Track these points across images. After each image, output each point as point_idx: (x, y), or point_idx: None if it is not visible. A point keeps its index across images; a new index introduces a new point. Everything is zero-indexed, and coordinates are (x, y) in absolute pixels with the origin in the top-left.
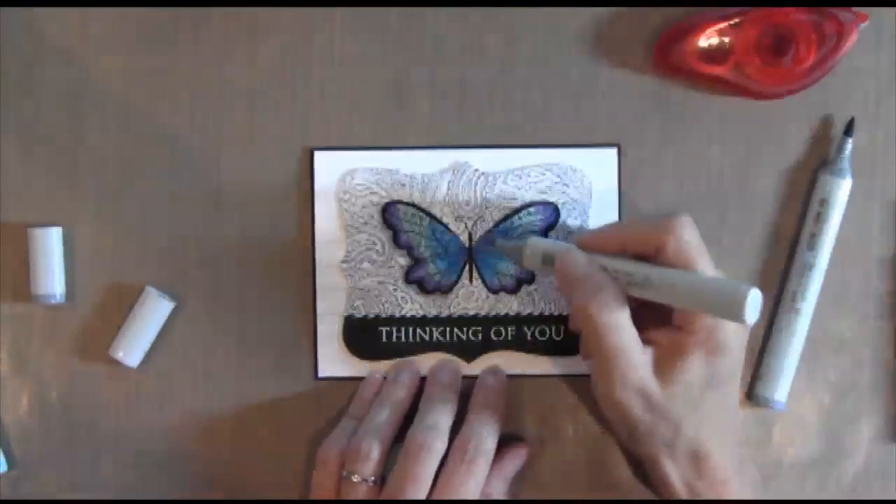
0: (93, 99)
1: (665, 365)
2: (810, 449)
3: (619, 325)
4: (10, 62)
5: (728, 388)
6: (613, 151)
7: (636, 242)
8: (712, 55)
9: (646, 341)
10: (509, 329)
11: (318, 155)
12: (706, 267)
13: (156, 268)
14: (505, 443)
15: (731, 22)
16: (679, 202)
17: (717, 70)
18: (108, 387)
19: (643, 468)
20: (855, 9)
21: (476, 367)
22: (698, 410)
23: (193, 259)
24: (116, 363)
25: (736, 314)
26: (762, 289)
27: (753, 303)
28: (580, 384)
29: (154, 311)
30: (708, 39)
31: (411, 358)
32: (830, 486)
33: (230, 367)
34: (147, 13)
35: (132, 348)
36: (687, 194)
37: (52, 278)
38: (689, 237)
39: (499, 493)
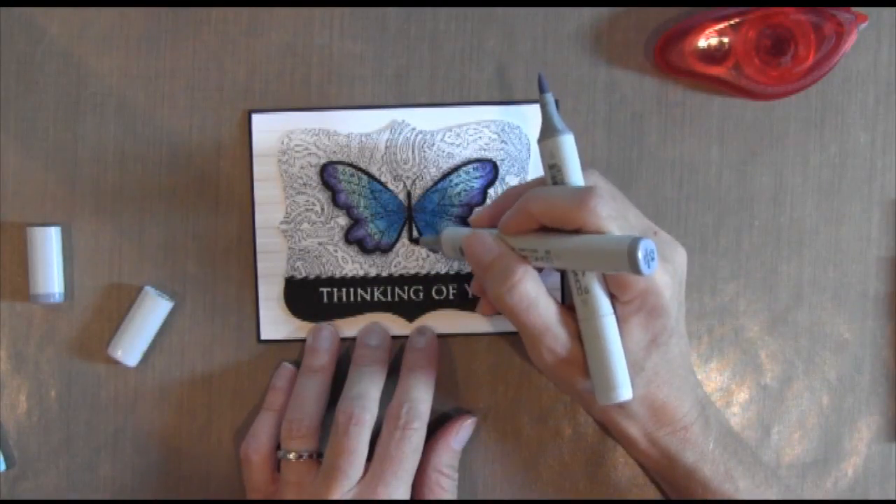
0: (92, 99)
1: None
2: (810, 449)
3: (534, 303)
4: (10, 62)
5: (670, 344)
6: None
7: (553, 220)
8: (712, 55)
9: None
10: (450, 287)
11: (255, 117)
12: (619, 228)
13: (154, 267)
14: (453, 414)
15: (731, 22)
16: (679, 201)
17: (717, 70)
18: (106, 386)
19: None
20: (854, 9)
21: (418, 326)
22: (645, 370)
23: (192, 259)
24: (115, 362)
25: (630, 265)
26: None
27: (646, 253)
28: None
29: (152, 311)
30: (707, 40)
31: (326, 323)
32: (830, 487)
33: (229, 366)
34: (147, 13)
35: (131, 348)
36: (686, 194)
37: (50, 278)
38: (607, 212)
39: (447, 465)
